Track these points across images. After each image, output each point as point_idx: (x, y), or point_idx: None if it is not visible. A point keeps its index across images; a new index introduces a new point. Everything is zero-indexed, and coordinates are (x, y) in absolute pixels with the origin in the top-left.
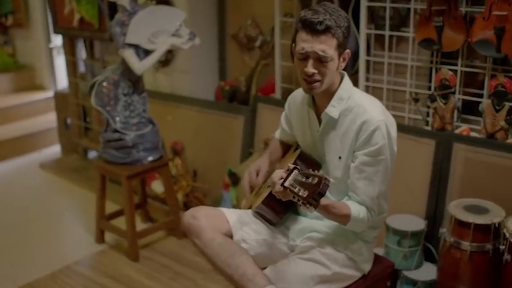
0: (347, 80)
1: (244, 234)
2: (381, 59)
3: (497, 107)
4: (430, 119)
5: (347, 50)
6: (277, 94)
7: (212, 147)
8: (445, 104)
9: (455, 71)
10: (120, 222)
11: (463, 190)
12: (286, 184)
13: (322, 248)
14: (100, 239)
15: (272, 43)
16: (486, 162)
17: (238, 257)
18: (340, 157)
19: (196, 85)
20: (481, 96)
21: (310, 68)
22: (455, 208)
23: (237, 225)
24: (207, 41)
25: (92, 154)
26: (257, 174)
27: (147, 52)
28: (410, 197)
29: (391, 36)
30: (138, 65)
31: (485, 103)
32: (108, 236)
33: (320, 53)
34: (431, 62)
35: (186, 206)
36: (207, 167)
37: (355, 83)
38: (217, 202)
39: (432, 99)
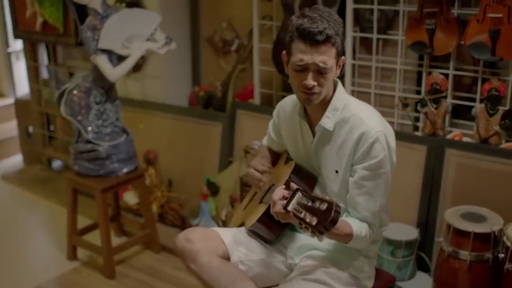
0: (341, 88)
1: (241, 255)
2: (369, 63)
3: (491, 112)
4: (420, 124)
5: (343, 57)
6: (256, 100)
7: (188, 156)
8: (436, 109)
9: (445, 75)
10: (93, 237)
11: (456, 196)
12: (290, 208)
13: (325, 267)
14: (73, 255)
15: (249, 47)
16: (479, 168)
17: (240, 282)
18: (337, 171)
19: (168, 91)
20: (469, 100)
21: (311, 81)
22: (452, 216)
23: (233, 245)
24: (180, 45)
25: (56, 164)
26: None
27: (121, 58)
28: (401, 204)
29: (377, 40)
30: (112, 72)
31: (479, 107)
32: (81, 252)
33: (321, 64)
34: (419, 65)
35: (162, 218)
36: (183, 177)
37: None
38: (194, 213)
39: (423, 104)
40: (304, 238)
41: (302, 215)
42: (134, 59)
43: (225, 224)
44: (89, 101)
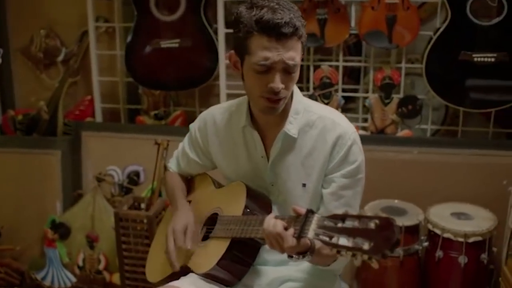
0: (297, 90)
1: None
2: None
3: (386, 101)
4: None
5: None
6: (98, 117)
7: (18, 196)
8: (327, 103)
9: (334, 67)
10: None
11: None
12: (310, 235)
13: None
14: None
15: (80, 56)
16: (379, 160)
17: None
18: (304, 185)
19: None
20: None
21: (279, 84)
22: (375, 213)
23: None
24: None
25: None
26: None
27: None
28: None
29: None
30: None
31: (373, 98)
32: None
33: (290, 62)
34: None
35: None
36: (15, 223)
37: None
38: (37, 265)
39: (312, 100)
40: (271, 271)
41: (337, 241)
42: None
43: (82, 270)
44: None
